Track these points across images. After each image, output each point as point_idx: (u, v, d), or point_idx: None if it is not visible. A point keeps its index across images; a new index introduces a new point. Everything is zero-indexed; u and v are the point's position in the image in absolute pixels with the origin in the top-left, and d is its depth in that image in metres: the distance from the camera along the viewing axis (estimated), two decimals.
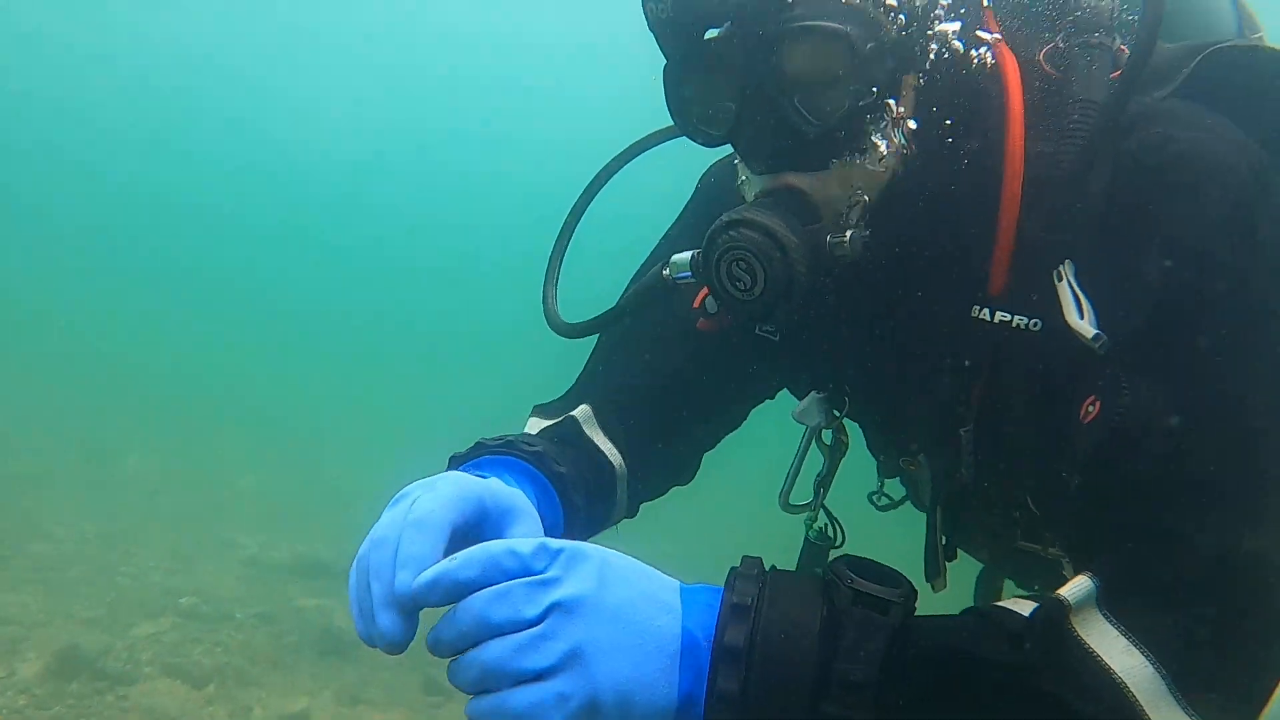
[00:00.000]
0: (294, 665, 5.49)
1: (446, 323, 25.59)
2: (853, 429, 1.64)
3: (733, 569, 0.96)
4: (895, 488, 1.73)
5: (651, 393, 1.52)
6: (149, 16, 26.02)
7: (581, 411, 1.47)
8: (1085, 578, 1.01)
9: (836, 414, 1.53)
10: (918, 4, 1.16)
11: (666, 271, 1.31)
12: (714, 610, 0.91)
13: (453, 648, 0.88)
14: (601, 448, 1.45)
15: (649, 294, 1.39)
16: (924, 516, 1.54)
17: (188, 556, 6.82)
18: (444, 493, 0.98)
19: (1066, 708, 0.92)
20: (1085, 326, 1.11)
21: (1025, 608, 0.99)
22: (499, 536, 1.01)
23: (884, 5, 1.13)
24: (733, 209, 1.16)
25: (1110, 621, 0.97)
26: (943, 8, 1.18)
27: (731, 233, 1.13)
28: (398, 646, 0.91)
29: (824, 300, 1.22)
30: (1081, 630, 0.97)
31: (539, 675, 0.84)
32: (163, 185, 27.14)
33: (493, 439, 1.29)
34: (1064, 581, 1.36)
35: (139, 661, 5.00)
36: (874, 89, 1.14)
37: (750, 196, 1.25)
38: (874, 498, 1.73)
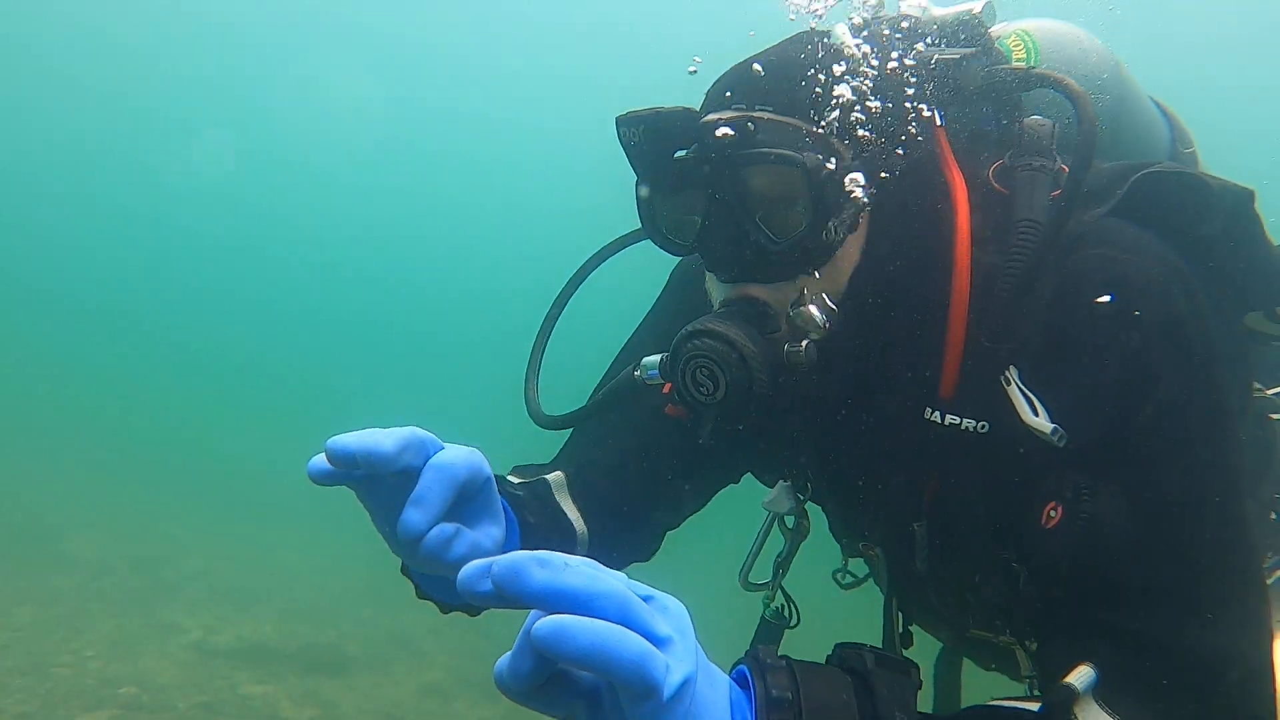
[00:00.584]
0: None
1: (407, 396, 25.35)
2: (815, 512, 1.71)
3: (754, 658, 0.92)
4: (859, 566, 1.79)
5: (618, 471, 1.57)
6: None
7: (554, 477, 1.53)
8: (1087, 667, 1.07)
9: (800, 497, 1.62)
10: (874, 132, 1.25)
11: (637, 373, 1.38)
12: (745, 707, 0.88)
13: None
14: (567, 513, 1.49)
15: (620, 392, 1.46)
16: (885, 595, 1.61)
17: (128, 643, 6.58)
18: (456, 469, 1.04)
19: None
20: (1042, 423, 1.19)
21: (1029, 704, 1.06)
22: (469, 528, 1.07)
23: (841, 134, 1.23)
24: (697, 319, 1.26)
25: (1104, 709, 1.05)
26: (900, 132, 1.28)
27: (695, 341, 1.22)
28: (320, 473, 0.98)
29: (784, 401, 1.29)
30: (1083, 718, 1.04)
31: None
32: (97, 236, 26.71)
33: None
34: (1017, 665, 1.45)
35: None
36: (829, 210, 1.22)
37: (715, 300, 1.34)
38: (838, 575, 1.79)
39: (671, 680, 0.73)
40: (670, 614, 0.78)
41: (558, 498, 1.50)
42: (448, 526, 1.03)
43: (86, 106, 26.52)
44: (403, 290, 29.63)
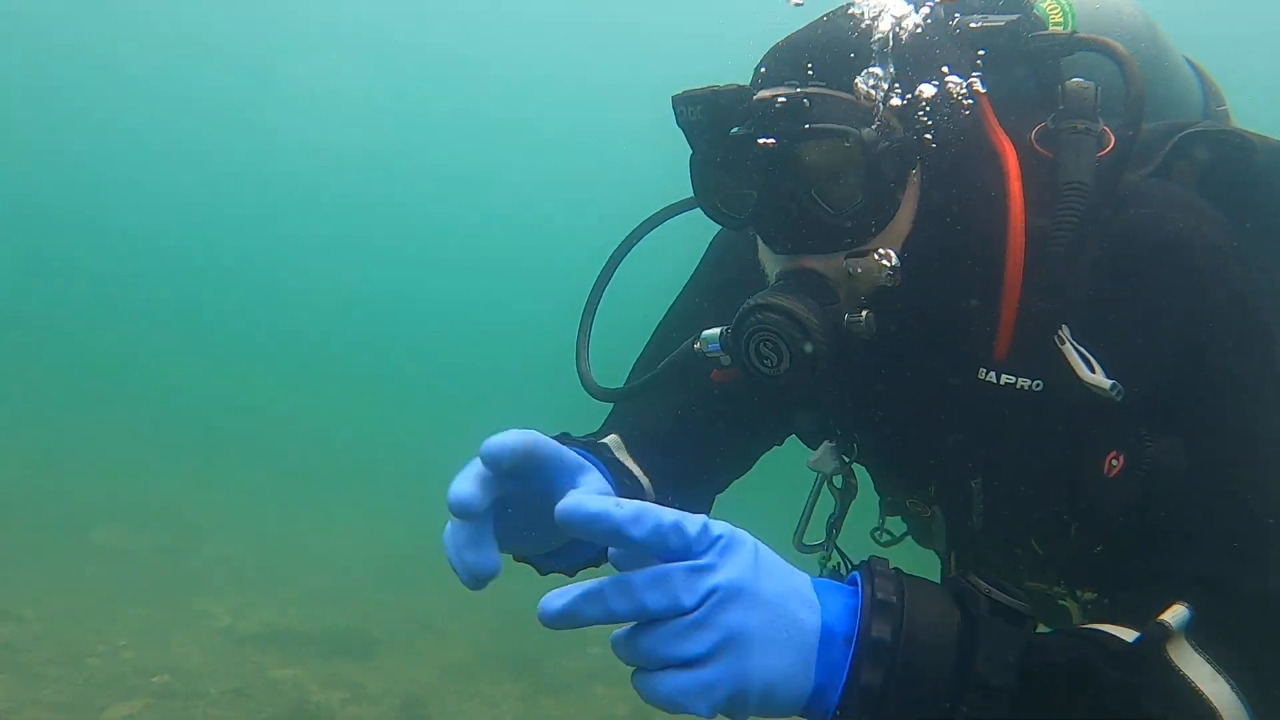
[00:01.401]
0: None
1: (431, 375, 25.36)
2: (860, 471, 1.76)
3: (866, 565, 0.99)
4: (896, 524, 1.84)
5: (666, 438, 1.61)
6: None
7: (612, 439, 1.57)
8: (1181, 606, 1.10)
9: (846, 460, 1.67)
10: (922, 102, 1.28)
11: (697, 345, 1.40)
12: (849, 606, 0.94)
13: (588, 624, 0.89)
14: (633, 470, 1.53)
15: (680, 364, 1.48)
16: (924, 551, 1.68)
17: (158, 631, 6.67)
18: (509, 442, 1.01)
19: None
20: (1099, 379, 1.24)
21: (1124, 632, 1.08)
22: (572, 487, 1.02)
23: (891, 106, 1.26)
24: (758, 293, 1.29)
25: (1196, 650, 1.08)
26: (947, 102, 1.31)
27: (758, 315, 1.25)
28: (481, 580, 0.95)
29: (843, 369, 1.33)
30: (1174, 655, 1.07)
31: (690, 662, 0.86)
32: (131, 222, 26.76)
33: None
34: (1069, 617, 1.49)
35: None
36: (884, 180, 1.26)
37: (770, 273, 1.37)
38: (876, 534, 1.84)
39: (714, 533, 0.88)
40: (723, 544, 0.90)
41: (619, 456, 1.53)
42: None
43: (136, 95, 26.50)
44: (423, 274, 29.58)
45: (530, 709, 6.51)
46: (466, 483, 0.92)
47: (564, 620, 0.88)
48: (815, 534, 1.79)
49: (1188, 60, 1.78)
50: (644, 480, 1.54)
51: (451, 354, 26.91)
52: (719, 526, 0.91)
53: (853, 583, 0.98)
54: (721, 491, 1.76)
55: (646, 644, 0.87)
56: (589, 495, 0.86)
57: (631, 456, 1.56)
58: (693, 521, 0.88)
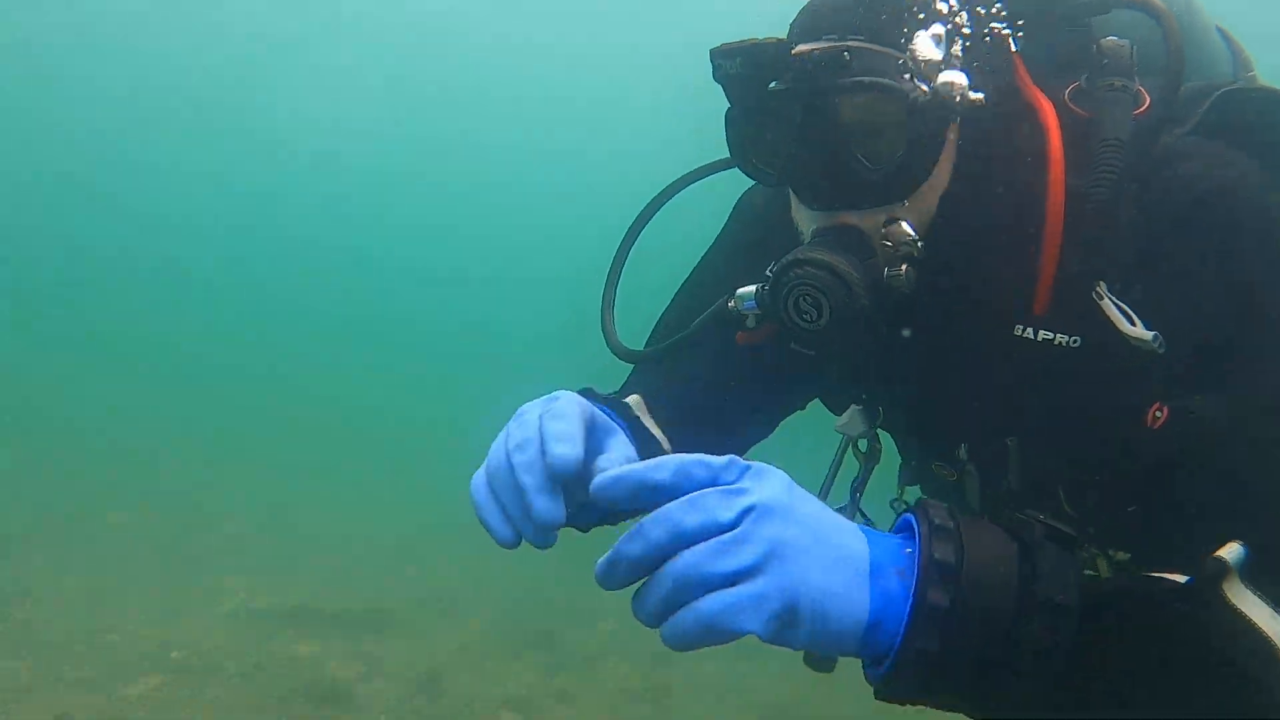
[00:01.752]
0: (289, 715, 5.46)
1: (446, 344, 25.30)
2: (883, 438, 1.76)
3: (919, 501, 0.98)
4: (914, 494, 1.83)
5: (689, 399, 1.61)
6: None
7: (634, 400, 1.57)
8: (1237, 545, 1.07)
9: (873, 421, 1.67)
10: (961, 58, 1.28)
11: (732, 303, 1.40)
12: (895, 543, 0.93)
13: (635, 567, 0.87)
14: (654, 433, 1.53)
15: (713, 323, 1.48)
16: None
17: (175, 609, 6.73)
18: (570, 398, 1.10)
19: (1227, 658, 0.98)
20: (1140, 332, 1.23)
21: (1175, 576, 1.07)
22: (600, 452, 1.08)
23: (930, 61, 1.25)
24: (795, 249, 1.29)
25: (1251, 590, 1.05)
26: (985, 58, 1.31)
27: (797, 270, 1.25)
28: (553, 529, 0.99)
29: (878, 326, 1.33)
30: (1230, 594, 1.04)
31: (735, 580, 0.83)
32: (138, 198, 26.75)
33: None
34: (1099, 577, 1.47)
35: None
36: (923, 135, 1.26)
37: (806, 230, 1.37)
38: (894, 504, 1.83)
39: (741, 463, 0.90)
40: (753, 471, 0.92)
41: (641, 417, 1.53)
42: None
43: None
44: (435, 243, 29.54)
45: (547, 683, 6.56)
46: (545, 498, 0.99)
47: (612, 571, 0.88)
48: (837, 501, 1.77)
49: (1216, 28, 1.76)
50: (665, 443, 1.53)
51: (464, 324, 26.89)
52: (745, 461, 0.91)
53: (904, 524, 0.98)
54: (742, 455, 1.74)
55: (687, 564, 0.84)
56: (612, 470, 0.90)
57: (652, 417, 1.55)
58: (716, 458, 0.89)
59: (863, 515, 1.73)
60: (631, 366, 1.71)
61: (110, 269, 25.07)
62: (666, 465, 0.88)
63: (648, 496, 0.87)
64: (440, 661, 6.51)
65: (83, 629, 6.16)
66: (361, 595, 7.43)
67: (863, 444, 1.76)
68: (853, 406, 1.68)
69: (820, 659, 1.53)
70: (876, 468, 1.78)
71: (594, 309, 1.67)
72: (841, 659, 1.09)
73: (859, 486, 1.76)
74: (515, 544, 1.02)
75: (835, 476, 1.79)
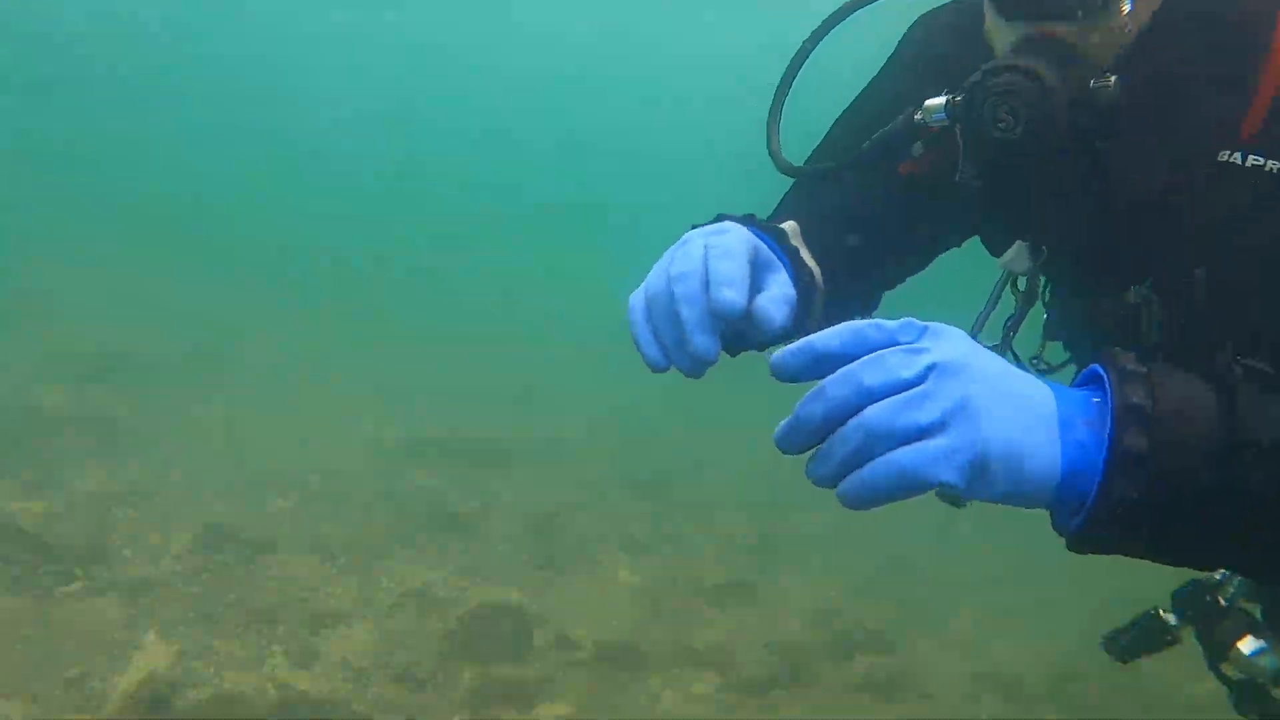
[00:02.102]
0: (415, 541, 5.79)
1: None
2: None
3: (1103, 351, 0.93)
4: (1054, 351, 1.75)
5: (847, 222, 1.57)
6: None
7: (789, 226, 1.52)
8: None
9: (1038, 257, 1.59)
10: None
11: (919, 116, 1.34)
12: (1080, 395, 0.89)
13: (816, 431, 0.85)
14: (806, 261, 1.49)
15: (893, 140, 1.42)
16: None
17: (311, 437, 7.13)
18: (737, 233, 1.11)
19: None
20: None
21: None
22: (760, 290, 1.11)
23: None
24: (996, 58, 1.25)
25: None
26: None
27: (998, 77, 1.21)
28: (705, 366, 1.03)
29: (1076, 139, 1.27)
30: None
31: (922, 434, 0.81)
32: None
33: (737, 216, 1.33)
34: None
35: (275, 536, 5.33)
36: None
37: (1000, 46, 1.31)
38: (1035, 362, 1.75)
39: (918, 324, 0.87)
40: (931, 331, 0.88)
41: (795, 244, 1.48)
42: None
43: None
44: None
45: (660, 526, 6.79)
46: (704, 336, 1.01)
47: (794, 433, 0.86)
48: (988, 340, 1.67)
49: None
50: (818, 273, 1.49)
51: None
52: (920, 322, 0.88)
53: (1091, 374, 0.92)
54: (891, 289, 1.71)
55: (876, 417, 0.81)
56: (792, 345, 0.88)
57: (806, 247, 1.50)
58: (890, 321, 0.87)
59: (1014, 355, 1.67)
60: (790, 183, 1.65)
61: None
62: (837, 332, 0.86)
63: (822, 366, 0.85)
64: (557, 500, 6.76)
65: (228, 449, 6.62)
66: (484, 436, 7.72)
67: (1021, 282, 1.68)
68: (1018, 242, 1.59)
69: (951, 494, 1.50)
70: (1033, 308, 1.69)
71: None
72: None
73: (1013, 326, 1.69)
74: (665, 369, 1.05)
75: (990, 313, 1.70)
